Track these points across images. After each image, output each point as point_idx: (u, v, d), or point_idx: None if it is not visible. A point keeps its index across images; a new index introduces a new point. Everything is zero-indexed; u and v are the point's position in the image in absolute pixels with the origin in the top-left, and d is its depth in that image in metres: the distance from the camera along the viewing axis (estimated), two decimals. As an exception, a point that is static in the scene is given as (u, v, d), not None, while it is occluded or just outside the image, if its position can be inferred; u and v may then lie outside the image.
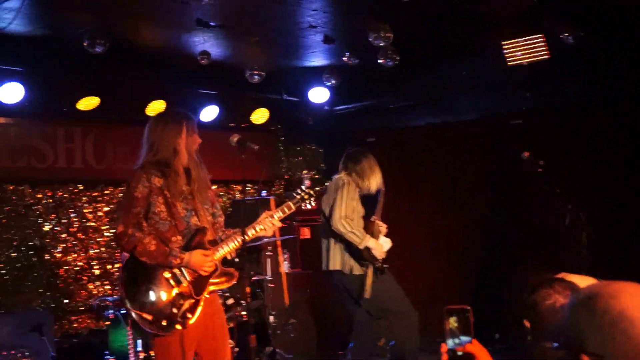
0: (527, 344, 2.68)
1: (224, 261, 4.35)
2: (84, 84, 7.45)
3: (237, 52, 7.56)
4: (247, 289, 6.02)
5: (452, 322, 2.44)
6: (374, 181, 6.00)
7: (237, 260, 6.34)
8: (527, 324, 2.37)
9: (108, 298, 6.47)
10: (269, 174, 9.24)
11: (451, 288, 8.19)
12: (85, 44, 6.21)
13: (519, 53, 7.01)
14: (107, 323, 6.25)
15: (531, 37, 6.90)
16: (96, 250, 7.87)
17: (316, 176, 9.51)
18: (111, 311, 6.09)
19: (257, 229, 4.35)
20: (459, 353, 2.05)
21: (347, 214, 5.76)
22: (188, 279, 4.16)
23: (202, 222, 4.24)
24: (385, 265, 5.88)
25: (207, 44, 6.91)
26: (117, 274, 7.78)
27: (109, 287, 7.87)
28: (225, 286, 4.44)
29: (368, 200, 6.10)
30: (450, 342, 2.15)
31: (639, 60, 6.77)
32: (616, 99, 7.37)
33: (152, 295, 4.10)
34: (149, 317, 4.06)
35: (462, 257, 8.43)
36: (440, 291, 8.09)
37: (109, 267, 7.92)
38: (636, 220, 7.12)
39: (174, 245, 4.13)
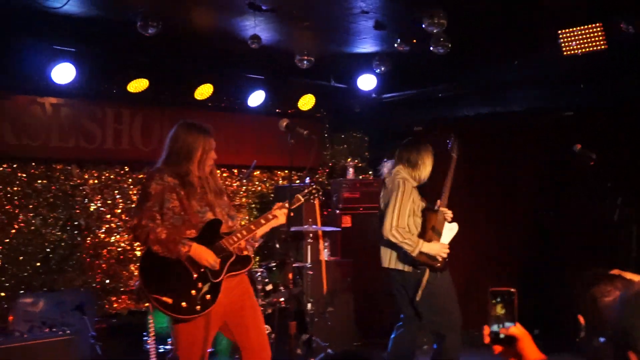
0: (580, 341, 2.56)
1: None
2: (134, 66, 7.51)
3: (287, 37, 7.49)
4: (290, 275, 6.01)
5: (496, 304, 2.34)
6: (425, 171, 5.84)
7: (278, 246, 6.36)
8: (581, 319, 2.27)
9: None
10: (317, 160, 9.18)
11: (495, 281, 8.04)
12: (138, 26, 6.22)
13: (575, 43, 6.80)
14: (146, 305, 6.26)
15: (588, 26, 6.67)
16: (140, 232, 7.90)
17: (360, 165, 9.41)
18: (152, 293, 6.07)
19: (269, 216, 4.54)
20: (501, 336, 2.00)
21: (398, 224, 5.57)
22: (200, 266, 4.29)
23: (218, 217, 4.40)
24: (445, 260, 5.66)
25: (257, 28, 6.86)
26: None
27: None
28: (241, 272, 4.50)
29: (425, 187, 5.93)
30: (493, 325, 2.10)
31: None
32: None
33: (171, 279, 4.21)
34: (169, 301, 4.16)
35: (507, 250, 8.28)
36: (485, 284, 7.94)
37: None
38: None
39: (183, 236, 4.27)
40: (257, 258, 8.26)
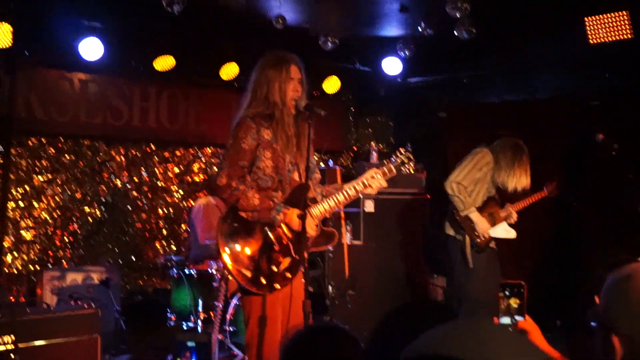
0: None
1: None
2: (161, 43, 7.52)
3: (312, 18, 7.50)
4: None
5: (506, 297, 2.37)
6: (511, 181, 5.82)
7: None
8: (597, 299, 2.31)
9: (173, 257, 6.58)
10: (336, 142, 9.20)
11: (516, 271, 8.04)
12: (164, 3, 6.24)
13: (602, 31, 6.74)
14: (170, 282, 6.38)
15: (615, 13, 6.61)
16: (164, 210, 8.02)
17: (384, 149, 9.44)
18: (175, 270, 6.19)
19: (359, 185, 4.16)
20: (510, 329, 2.00)
21: (460, 181, 5.74)
22: (289, 236, 4.01)
23: (303, 178, 4.05)
24: (488, 244, 5.82)
25: (283, 7, 6.88)
26: (185, 235, 7.92)
27: (175, 247, 8.02)
28: (325, 247, 4.32)
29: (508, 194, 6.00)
30: (503, 318, 2.11)
31: None
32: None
33: (252, 252, 3.97)
34: (249, 274, 3.94)
35: (531, 238, 8.25)
36: (505, 274, 7.95)
37: (176, 227, 8.08)
38: None
39: (276, 201, 4.01)
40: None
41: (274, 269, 3.97)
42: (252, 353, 4.04)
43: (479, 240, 5.77)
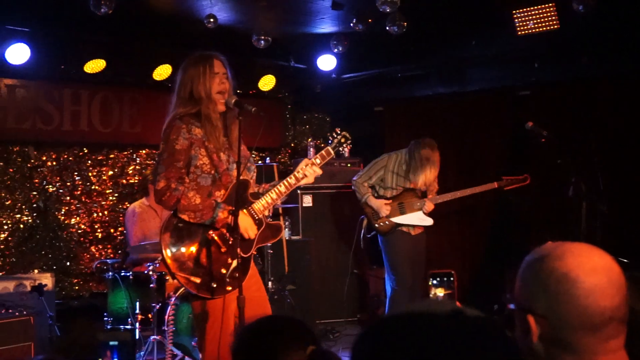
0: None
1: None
2: (91, 46, 7.41)
3: (244, 17, 7.48)
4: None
5: (434, 286, 2.40)
6: (420, 177, 6.56)
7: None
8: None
9: (108, 260, 6.49)
10: (273, 139, 9.18)
11: (456, 260, 8.14)
12: (90, 5, 6.15)
13: (530, 22, 6.89)
14: (107, 286, 6.27)
15: (542, 6, 6.77)
16: (100, 214, 7.90)
17: (322, 145, 9.46)
18: (111, 274, 6.10)
19: (298, 175, 4.14)
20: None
21: (357, 179, 6.72)
22: (234, 236, 3.89)
23: (243, 175, 3.99)
24: (395, 228, 6.56)
25: (214, 7, 6.84)
26: (122, 238, 7.80)
27: (111, 250, 7.90)
28: (272, 241, 4.29)
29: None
30: None
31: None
32: (625, 72, 7.27)
33: (198, 257, 3.89)
34: (197, 280, 3.85)
35: (467, 227, 8.38)
36: (446, 264, 8.06)
37: (112, 230, 7.96)
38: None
39: (218, 200, 3.94)
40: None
41: (223, 271, 3.92)
42: (207, 355, 3.97)
43: (377, 225, 6.57)
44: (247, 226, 3.97)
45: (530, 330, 1.62)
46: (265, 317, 2.42)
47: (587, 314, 1.56)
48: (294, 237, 7.83)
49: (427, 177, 6.55)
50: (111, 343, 5.52)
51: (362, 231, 6.81)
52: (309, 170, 4.17)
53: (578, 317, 1.57)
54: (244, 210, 4.01)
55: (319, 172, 4.22)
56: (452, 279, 2.11)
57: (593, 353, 1.59)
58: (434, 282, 2.20)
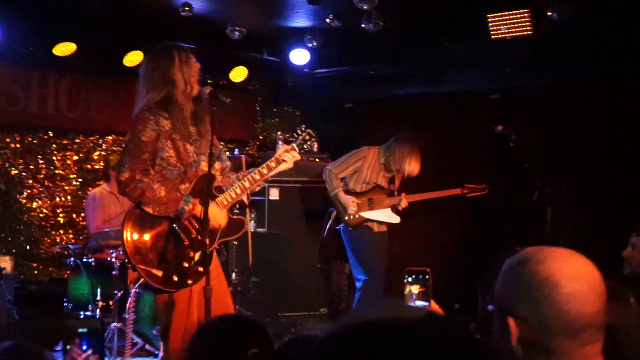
0: (479, 310, 2.65)
1: None
2: (62, 29, 7.30)
3: (219, 6, 7.41)
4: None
5: (410, 283, 2.40)
6: (406, 167, 6.58)
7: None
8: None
9: (70, 246, 6.43)
10: (242, 131, 9.13)
11: (420, 259, 8.16)
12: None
13: (504, 27, 6.95)
14: (68, 272, 6.19)
15: (517, 11, 6.83)
16: (62, 199, 7.77)
17: (290, 139, 9.41)
18: (72, 259, 6.02)
19: (273, 163, 4.21)
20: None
21: (332, 169, 6.68)
22: (198, 229, 3.90)
23: (211, 168, 3.93)
24: (362, 223, 6.62)
25: (191, -4, 6.78)
26: (84, 224, 7.69)
27: (73, 236, 7.79)
28: (234, 236, 4.31)
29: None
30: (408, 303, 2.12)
31: (622, 41, 6.74)
32: (596, 80, 7.38)
33: (161, 250, 3.87)
34: (159, 273, 3.83)
35: (435, 228, 8.41)
36: (410, 262, 8.07)
37: (74, 216, 7.84)
38: (606, 197, 7.18)
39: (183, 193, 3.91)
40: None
41: (185, 264, 3.89)
42: (171, 347, 3.95)
43: (347, 218, 6.58)
44: (216, 215, 3.94)
45: (510, 332, 1.63)
46: (214, 318, 2.43)
47: (567, 319, 1.58)
48: (259, 230, 7.81)
49: (413, 168, 6.59)
50: (80, 330, 5.44)
51: (330, 222, 6.89)
52: (287, 155, 4.24)
53: (558, 321, 1.58)
54: (213, 201, 3.98)
55: (298, 157, 4.34)
56: (427, 277, 2.13)
57: (570, 357, 1.60)
58: (409, 279, 2.20)
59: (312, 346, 1.16)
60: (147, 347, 6.10)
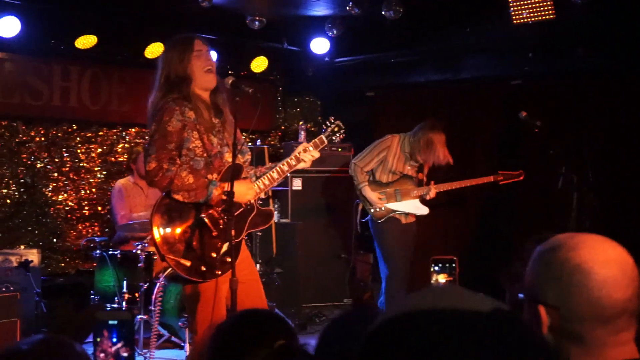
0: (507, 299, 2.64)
1: None
2: (83, 21, 7.30)
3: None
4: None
5: (436, 272, 2.39)
6: (430, 156, 6.44)
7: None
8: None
9: (96, 238, 6.47)
10: (263, 122, 9.14)
11: (444, 248, 8.15)
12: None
13: (525, 12, 6.87)
14: (94, 264, 6.24)
15: (539, -5, 6.75)
16: (87, 191, 7.83)
17: (312, 129, 9.41)
18: (98, 251, 6.07)
19: (292, 161, 4.20)
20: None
21: (357, 162, 6.56)
22: (229, 217, 3.85)
23: (235, 158, 3.92)
24: (389, 215, 6.48)
25: (210, -14, 6.76)
26: (109, 216, 7.75)
27: (98, 228, 7.85)
28: (262, 227, 4.31)
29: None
30: None
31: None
32: (619, 66, 7.27)
33: (189, 240, 3.89)
34: (187, 264, 3.84)
35: (457, 216, 8.37)
36: (433, 251, 8.06)
37: (99, 208, 7.89)
38: (630, 185, 7.09)
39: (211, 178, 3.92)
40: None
41: (213, 255, 3.90)
42: (197, 338, 3.98)
43: (373, 210, 6.49)
44: (244, 191, 3.97)
45: (541, 320, 1.61)
46: (236, 313, 2.41)
47: (600, 305, 1.56)
48: (282, 220, 7.83)
49: (439, 155, 6.41)
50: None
51: (357, 216, 6.81)
52: (307, 155, 4.21)
53: (590, 308, 1.56)
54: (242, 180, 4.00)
55: (317, 155, 4.29)
56: (454, 265, 2.12)
57: (603, 345, 1.58)
58: (436, 268, 2.19)
59: (370, 327, 1.09)
60: (173, 338, 6.15)
